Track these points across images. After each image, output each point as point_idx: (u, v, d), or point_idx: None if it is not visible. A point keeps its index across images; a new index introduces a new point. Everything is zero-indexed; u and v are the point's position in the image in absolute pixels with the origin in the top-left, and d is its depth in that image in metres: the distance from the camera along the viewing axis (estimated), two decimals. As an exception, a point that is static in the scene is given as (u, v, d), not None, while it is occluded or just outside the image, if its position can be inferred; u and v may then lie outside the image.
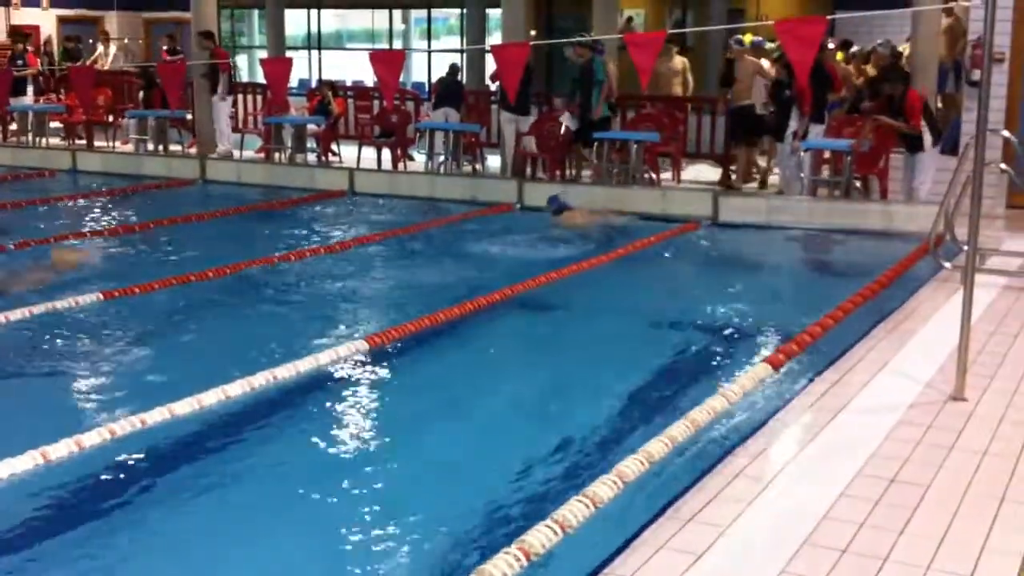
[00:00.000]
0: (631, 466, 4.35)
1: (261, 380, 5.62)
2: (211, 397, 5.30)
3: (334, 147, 15.25)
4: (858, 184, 11.25)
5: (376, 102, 16.02)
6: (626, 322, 7.39)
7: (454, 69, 15.13)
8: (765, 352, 6.20)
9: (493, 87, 15.33)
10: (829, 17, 8.58)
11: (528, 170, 13.22)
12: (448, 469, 4.77)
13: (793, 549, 3.59)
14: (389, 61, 11.56)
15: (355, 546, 3.98)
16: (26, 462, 4.49)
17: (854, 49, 14.23)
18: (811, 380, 5.50)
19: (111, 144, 16.57)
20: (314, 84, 18.70)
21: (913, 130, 10.39)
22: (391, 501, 4.38)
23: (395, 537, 4.05)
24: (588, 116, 12.46)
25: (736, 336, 6.89)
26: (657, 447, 4.57)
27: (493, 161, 14.28)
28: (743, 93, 12.52)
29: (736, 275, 8.88)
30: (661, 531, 3.72)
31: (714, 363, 6.28)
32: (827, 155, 11.29)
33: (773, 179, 12.56)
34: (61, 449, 4.61)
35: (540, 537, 3.72)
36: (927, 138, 10.42)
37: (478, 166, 13.87)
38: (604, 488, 4.14)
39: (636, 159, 12.11)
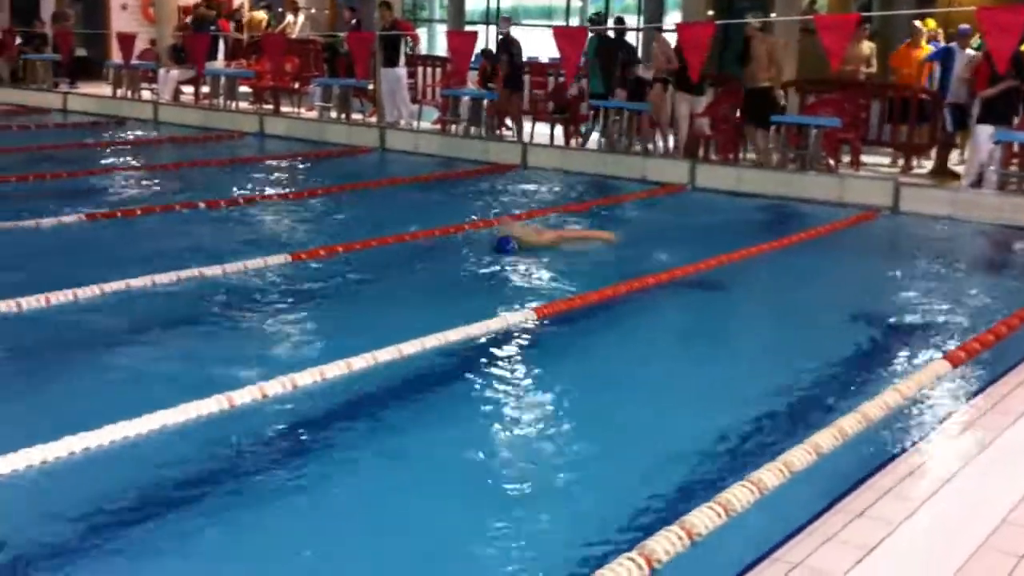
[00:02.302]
0: (798, 456, 4.29)
1: (433, 342, 5.78)
2: (385, 355, 5.49)
3: (508, 121, 15.41)
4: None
5: (551, 78, 16.09)
6: (797, 310, 7.26)
7: (619, 20, 14.91)
8: (943, 349, 5.99)
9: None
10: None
11: (700, 151, 13.07)
12: (609, 445, 4.78)
13: (968, 551, 3.48)
14: (572, 37, 11.62)
15: (511, 516, 4.04)
16: (212, 405, 4.74)
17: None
18: (992, 381, 5.29)
19: (296, 110, 17.20)
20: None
21: None
22: (550, 474, 4.44)
23: (555, 511, 4.11)
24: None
25: (913, 330, 6.68)
26: (826, 439, 4.49)
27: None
28: (758, 74, 12.21)
29: (915, 268, 8.58)
30: (829, 523, 3.66)
31: (888, 357, 6.12)
32: (1016, 148, 10.80)
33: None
34: (245, 395, 4.86)
35: (703, 518, 3.72)
36: None
37: (650, 145, 13.79)
38: (769, 475, 4.10)
39: (814, 144, 11.81)
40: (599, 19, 14.49)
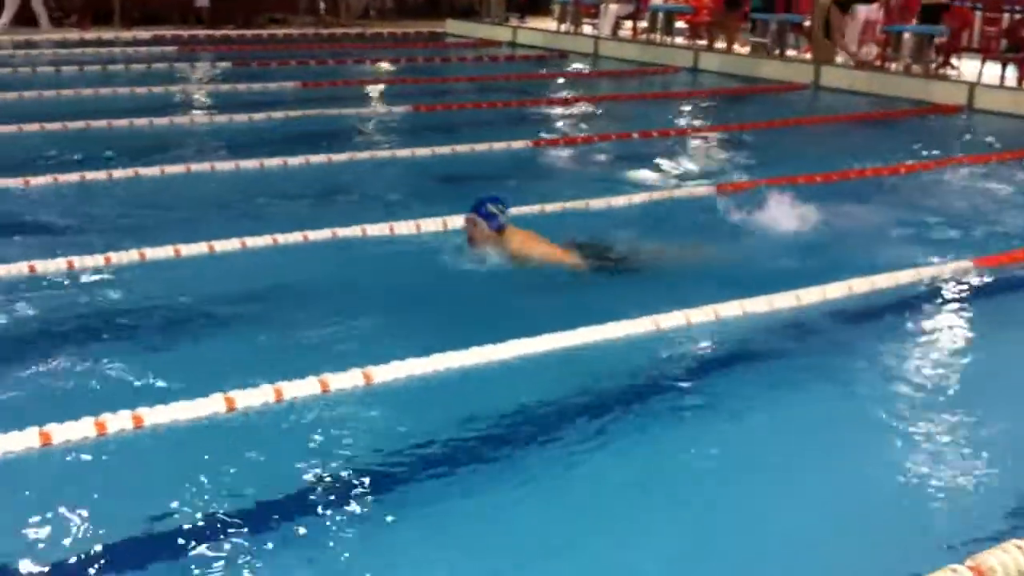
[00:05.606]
0: None
1: (860, 285, 5.76)
2: (812, 296, 5.57)
3: (954, 60, 14.49)
4: None
5: (1007, 15, 14.84)
6: None
7: None
8: None
9: None
10: None
11: None
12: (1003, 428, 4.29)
13: None
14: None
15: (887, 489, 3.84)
16: (637, 327, 5.06)
17: None
18: None
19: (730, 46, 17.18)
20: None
21: None
22: (931, 450, 4.12)
23: (915, 496, 3.79)
24: None
25: None
26: None
27: None
28: None
29: None
30: None
31: None
32: None
33: None
34: (671, 320, 5.16)
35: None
36: None
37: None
38: None
39: None
40: None
